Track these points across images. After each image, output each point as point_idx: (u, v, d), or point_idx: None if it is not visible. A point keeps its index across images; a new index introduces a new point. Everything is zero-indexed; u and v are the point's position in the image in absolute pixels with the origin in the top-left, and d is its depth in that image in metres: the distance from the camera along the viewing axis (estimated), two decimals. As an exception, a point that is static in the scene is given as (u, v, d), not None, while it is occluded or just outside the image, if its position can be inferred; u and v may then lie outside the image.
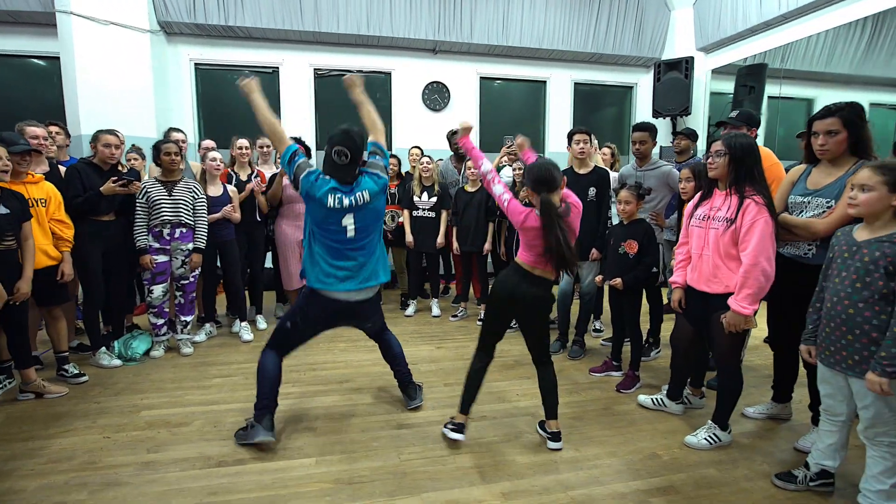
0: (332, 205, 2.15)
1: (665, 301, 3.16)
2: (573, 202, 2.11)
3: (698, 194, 2.34)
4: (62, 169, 3.19)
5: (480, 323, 2.19)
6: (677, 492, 1.91)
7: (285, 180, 3.88)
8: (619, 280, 2.86)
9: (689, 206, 2.38)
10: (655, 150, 6.04)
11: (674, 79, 5.59)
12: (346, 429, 2.38)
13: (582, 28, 5.88)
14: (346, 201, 2.17)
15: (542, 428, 2.31)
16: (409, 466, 2.06)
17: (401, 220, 4.49)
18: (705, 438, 2.21)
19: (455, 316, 4.37)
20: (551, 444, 2.21)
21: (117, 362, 3.16)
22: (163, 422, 2.43)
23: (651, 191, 3.07)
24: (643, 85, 6.45)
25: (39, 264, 2.70)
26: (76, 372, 2.91)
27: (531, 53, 5.99)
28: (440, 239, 4.38)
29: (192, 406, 2.59)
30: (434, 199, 4.39)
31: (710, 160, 2.17)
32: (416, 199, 4.39)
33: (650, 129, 3.26)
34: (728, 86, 5.80)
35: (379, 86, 5.93)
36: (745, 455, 2.18)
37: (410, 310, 4.53)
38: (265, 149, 4.11)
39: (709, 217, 2.18)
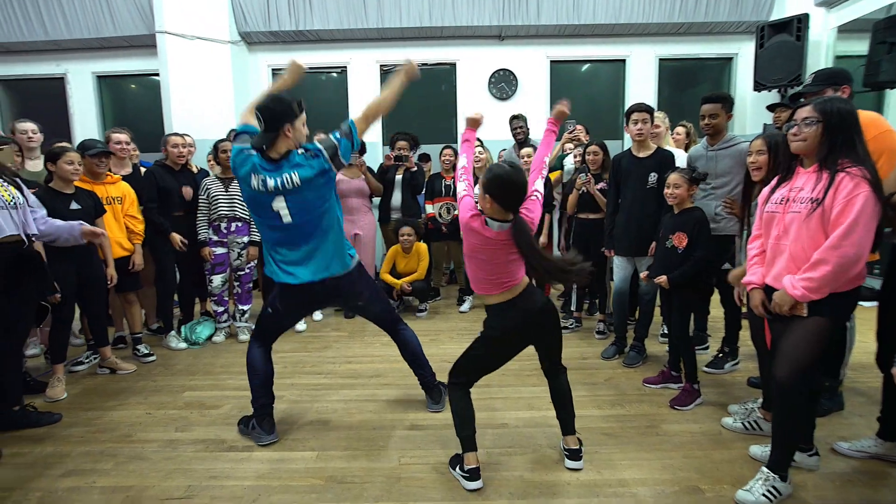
0: (255, 186, 1.96)
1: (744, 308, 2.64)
2: (528, 217, 1.77)
3: (776, 178, 1.89)
4: (142, 170, 3.58)
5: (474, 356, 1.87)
6: (712, 539, 1.55)
7: (339, 175, 3.96)
8: (664, 278, 2.45)
9: (765, 191, 1.92)
10: (752, 128, 5.22)
11: (782, 42, 4.70)
12: (358, 425, 2.32)
13: (667, -5, 5.23)
14: (270, 183, 1.95)
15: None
16: (405, 471, 1.94)
17: (456, 212, 4.36)
18: (763, 495, 1.69)
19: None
20: (569, 464, 1.94)
21: (183, 345, 3.46)
22: (199, 403, 2.59)
23: (707, 175, 2.60)
24: (745, 54, 5.56)
25: (115, 255, 3.04)
26: (146, 352, 3.24)
27: (607, 30, 5.47)
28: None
29: (228, 390, 2.73)
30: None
31: (794, 130, 1.71)
32: (469, 191, 4.23)
33: (723, 100, 2.73)
34: (859, 46, 4.74)
35: (444, 77, 5.85)
36: (824, 502, 1.71)
37: (466, 306, 4.40)
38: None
39: (788, 199, 1.74)
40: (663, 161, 2.96)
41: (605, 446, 2.09)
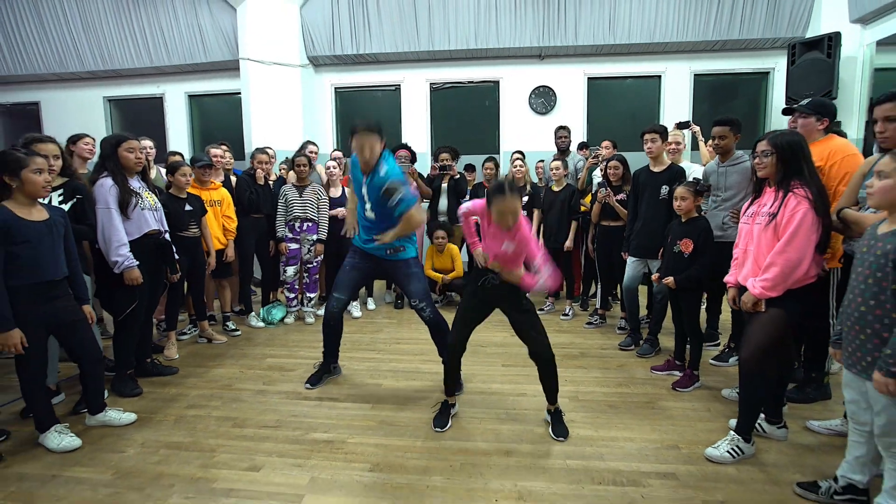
0: None
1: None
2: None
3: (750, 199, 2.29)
4: (233, 178, 4.32)
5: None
6: (677, 479, 1.96)
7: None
8: (671, 279, 2.83)
9: (744, 205, 2.33)
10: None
11: (813, 60, 4.88)
12: (405, 388, 2.88)
13: (702, 14, 5.48)
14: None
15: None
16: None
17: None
18: (728, 451, 2.08)
19: (542, 309, 4.57)
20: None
21: (261, 324, 4.16)
22: (279, 367, 3.23)
23: (710, 188, 2.95)
24: (782, 69, 5.69)
25: (214, 247, 3.77)
26: (233, 328, 3.95)
27: (642, 49, 5.79)
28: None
29: (301, 359, 3.36)
30: (525, 199, 4.66)
31: (757, 160, 2.14)
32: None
33: (731, 123, 3.09)
34: (898, 60, 4.88)
35: (488, 94, 6.36)
36: (780, 463, 2.08)
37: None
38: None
39: (755, 213, 2.16)
40: (674, 175, 3.34)
41: (605, 414, 2.53)
